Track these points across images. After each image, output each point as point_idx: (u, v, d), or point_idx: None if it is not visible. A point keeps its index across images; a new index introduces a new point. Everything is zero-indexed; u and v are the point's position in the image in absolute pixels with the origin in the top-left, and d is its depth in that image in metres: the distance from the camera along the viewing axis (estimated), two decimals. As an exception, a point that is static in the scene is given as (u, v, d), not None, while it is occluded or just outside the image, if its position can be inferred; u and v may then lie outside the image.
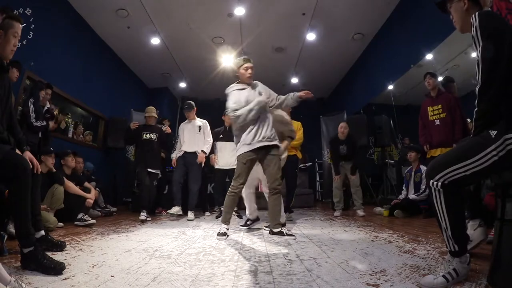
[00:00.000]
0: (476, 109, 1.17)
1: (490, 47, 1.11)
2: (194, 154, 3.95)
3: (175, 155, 4.05)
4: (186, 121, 4.20)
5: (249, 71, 2.63)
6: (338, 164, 4.26)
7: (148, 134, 3.96)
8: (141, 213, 3.55)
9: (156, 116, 4.15)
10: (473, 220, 1.62)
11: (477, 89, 1.16)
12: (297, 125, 3.93)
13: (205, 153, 3.97)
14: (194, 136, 4.00)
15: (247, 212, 3.05)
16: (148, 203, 3.80)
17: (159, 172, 3.98)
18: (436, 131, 3.35)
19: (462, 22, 1.31)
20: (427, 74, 3.51)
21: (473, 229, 1.58)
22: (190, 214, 3.80)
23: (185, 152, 3.96)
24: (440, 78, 3.83)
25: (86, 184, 3.63)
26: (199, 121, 4.14)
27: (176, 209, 3.63)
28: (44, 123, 3.46)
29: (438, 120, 3.35)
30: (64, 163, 3.43)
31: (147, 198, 3.77)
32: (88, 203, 3.31)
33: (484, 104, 1.14)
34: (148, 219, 3.67)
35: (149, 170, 3.84)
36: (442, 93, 3.41)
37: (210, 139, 4.08)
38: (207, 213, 4.50)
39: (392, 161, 5.89)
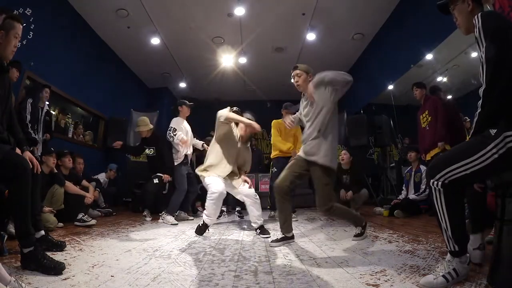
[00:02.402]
0: (480, 110, 1.15)
1: (493, 47, 1.10)
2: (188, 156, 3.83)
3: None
4: (181, 119, 3.72)
5: (295, 79, 2.35)
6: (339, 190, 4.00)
7: (147, 150, 3.87)
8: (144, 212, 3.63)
9: (150, 127, 3.86)
10: (474, 235, 1.52)
11: (481, 90, 1.14)
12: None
13: None
14: (191, 137, 3.81)
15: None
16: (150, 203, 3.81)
17: (160, 175, 3.72)
18: (427, 136, 3.40)
19: (468, 24, 1.29)
20: (413, 85, 3.54)
21: (472, 248, 1.48)
22: (183, 215, 3.82)
23: (185, 156, 3.69)
24: (439, 78, 3.85)
25: (84, 182, 3.64)
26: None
27: (172, 219, 3.41)
28: (40, 136, 3.45)
29: (427, 125, 3.39)
30: (61, 163, 3.42)
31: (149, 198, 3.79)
32: (87, 200, 3.33)
33: (489, 106, 1.13)
34: (148, 218, 3.67)
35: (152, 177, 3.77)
36: (428, 99, 3.45)
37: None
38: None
39: (393, 164, 5.89)
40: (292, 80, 2.38)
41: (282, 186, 2.21)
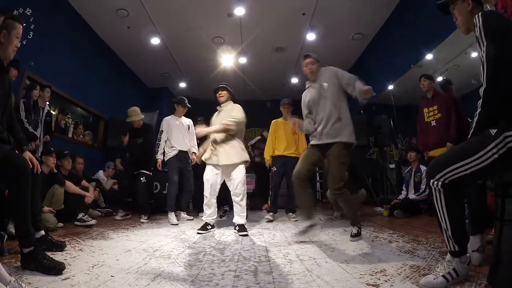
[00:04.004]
0: (480, 110, 1.15)
1: (494, 47, 1.09)
2: (186, 153, 3.82)
3: (161, 156, 3.71)
4: (171, 117, 3.89)
5: (309, 67, 2.47)
6: None
7: (137, 139, 3.86)
8: (141, 217, 3.60)
9: (141, 117, 3.94)
10: (474, 236, 1.51)
11: (481, 90, 1.14)
12: None
13: (196, 154, 3.87)
14: (184, 135, 3.83)
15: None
16: (143, 204, 3.75)
17: (146, 172, 3.80)
18: (432, 132, 3.33)
19: (468, 23, 1.29)
20: (422, 76, 3.50)
21: (471, 249, 1.48)
22: (184, 215, 3.82)
23: (180, 151, 3.72)
24: (440, 78, 3.82)
25: (84, 182, 3.64)
26: (187, 120, 3.95)
27: (174, 218, 3.40)
28: (41, 136, 3.47)
29: (434, 121, 3.32)
30: (61, 164, 3.42)
31: (142, 200, 3.76)
32: (88, 200, 3.33)
33: (489, 106, 1.13)
34: (143, 219, 3.61)
35: (135, 173, 3.78)
36: (438, 94, 3.39)
37: (195, 138, 3.98)
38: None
39: (393, 165, 5.89)
40: (304, 68, 2.50)
41: (299, 173, 2.31)
